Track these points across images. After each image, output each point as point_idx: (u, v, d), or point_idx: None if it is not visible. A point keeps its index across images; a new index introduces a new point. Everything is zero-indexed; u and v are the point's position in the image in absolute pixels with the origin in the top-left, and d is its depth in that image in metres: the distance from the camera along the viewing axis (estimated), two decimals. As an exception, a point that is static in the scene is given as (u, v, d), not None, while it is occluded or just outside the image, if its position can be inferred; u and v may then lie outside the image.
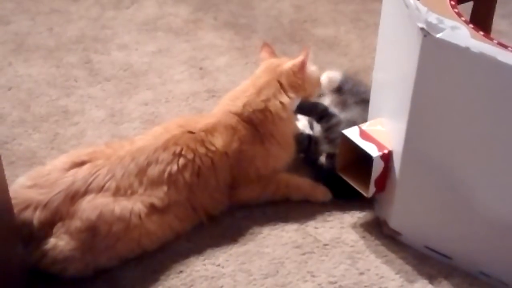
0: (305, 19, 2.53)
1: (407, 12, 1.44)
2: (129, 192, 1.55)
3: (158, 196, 1.57)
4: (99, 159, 1.58)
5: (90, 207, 1.51)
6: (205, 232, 1.67)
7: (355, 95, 1.91)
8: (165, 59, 2.29)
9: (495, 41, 1.38)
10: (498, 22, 2.02)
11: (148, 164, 1.58)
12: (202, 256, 1.62)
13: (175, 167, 1.59)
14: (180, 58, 2.30)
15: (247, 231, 1.68)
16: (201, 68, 2.25)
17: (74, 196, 1.51)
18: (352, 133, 1.62)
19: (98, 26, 2.45)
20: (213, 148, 1.64)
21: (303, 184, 1.77)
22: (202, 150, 1.63)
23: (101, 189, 1.53)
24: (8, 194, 1.40)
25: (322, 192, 1.76)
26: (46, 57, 2.28)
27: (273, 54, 1.86)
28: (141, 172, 1.57)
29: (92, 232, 1.50)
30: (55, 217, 1.50)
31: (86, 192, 1.52)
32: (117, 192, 1.54)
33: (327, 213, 1.73)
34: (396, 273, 1.59)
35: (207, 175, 1.64)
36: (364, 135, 1.62)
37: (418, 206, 1.59)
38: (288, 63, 1.77)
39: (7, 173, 1.41)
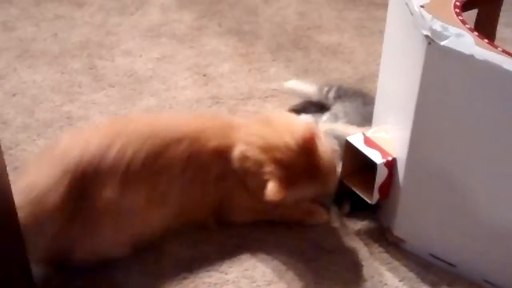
0: (309, 26, 2.53)
1: (412, 19, 1.44)
2: (135, 177, 1.53)
3: (161, 186, 1.55)
4: (115, 134, 1.56)
5: (96, 188, 1.49)
6: (208, 238, 1.67)
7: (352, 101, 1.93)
8: (169, 65, 2.30)
9: (500, 49, 1.38)
10: (502, 30, 2.02)
11: (161, 152, 1.55)
12: (205, 262, 1.61)
13: (185, 165, 1.57)
14: (184, 64, 2.30)
15: (251, 237, 1.68)
16: (205, 75, 2.25)
17: (83, 174, 1.50)
18: (356, 140, 1.62)
19: (102, 32, 2.46)
20: (227, 166, 1.60)
21: (301, 206, 1.71)
22: (215, 161, 1.60)
23: (110, 169, 1.51)
24: (13, 199, 1.40)
25: (317, 218, 1.72)
26: (50, 63, 2.28)
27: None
28: (152, 158, 1.55)
29: (97, 217, 1.49)
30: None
31: (96, 171, 1.50)
32: (125, 175, 1.52)
33: (331, 220, 1.73)
34: (400, 280, 1.59)
35: (205, 183, 1.62)
36: (368, 142, 1.62)
37: (422, 213, 1.59)
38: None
39: (11, 178, 1.41)
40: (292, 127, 1.56)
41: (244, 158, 1.58)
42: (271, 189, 1.50)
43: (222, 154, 1.60)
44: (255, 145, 1.57)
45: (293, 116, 1.70)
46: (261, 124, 1.63)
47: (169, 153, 1.57)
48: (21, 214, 1.42)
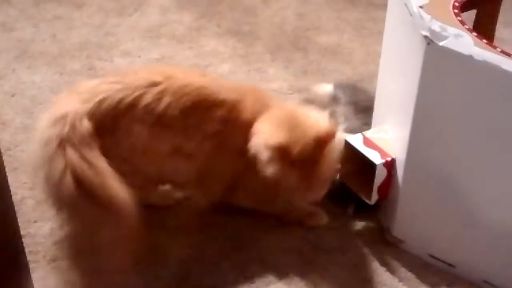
0: (308, 26, 2.54)
1: (411, 20, 1.44)
2: (167, 123, 1.54)
3: (190, 142, 1.56)
4: (168, 83, 1.56)
5: (128, 123, 1.51)
6: (208, 238, 1.67)
7: (355, 104, 1.91)
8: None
9: (499, 49, 1.38)
10: (500, 31, 2.02)
11: (197, 111, 1.56)
12: (204, 263, 1.62)
13: (217, 131, 1.58)
14: (183, 65, 2.30)
15: (250, 238, 1.68)
16: (204, 75, 2.25)
17: (116, 108, 1.51)
18: (355, 140, 1.62)
19: (101, 33, 2.46)
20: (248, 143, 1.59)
21: (302, 206, 1.72)
22: (241, 133, 1.59)
23: (145, 108, 1.53)
24: (12, 201, 1.40)
25: (317, 220, 1.73)
26: (49, 63, 2.28)
27: None
28: (188, 113, 1.55)
29: (126, 150, 1.52)
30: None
31: (128, 108, 1.52)
32: (159, 118, 1.53)
33: (330, 220, 1.73)
34: (399, 281, 1.59)
35: (228, 153, 1.61)
36: (367, 142, 1.62)
37: (421, 214, 1.59)
38: None
39: (10, 179, 1.41)
40: (317, 123, 1.57)
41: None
42: (270, 142, 1.52)
43: (247, 128, 1.59)
44: (273, 127, 1.57)
45: (324, 116, 1.68)
46: (291, 111, 1.63)
47: (206, 115, 1.57)
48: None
